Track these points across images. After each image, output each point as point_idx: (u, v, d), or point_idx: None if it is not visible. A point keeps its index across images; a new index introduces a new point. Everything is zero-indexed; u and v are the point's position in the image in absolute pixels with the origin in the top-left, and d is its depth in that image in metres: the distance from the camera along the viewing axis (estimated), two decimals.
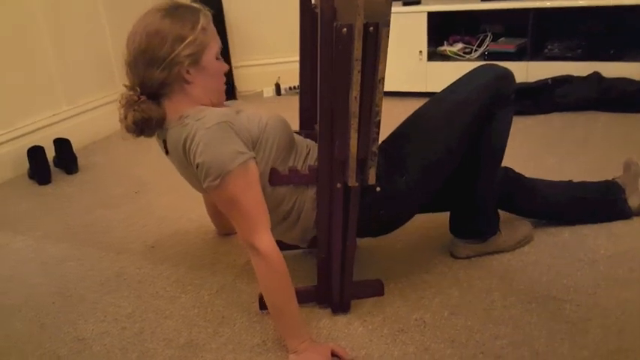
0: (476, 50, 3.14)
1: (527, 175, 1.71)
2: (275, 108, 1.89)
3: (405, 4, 3.16)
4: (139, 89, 1.30)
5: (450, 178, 1.49)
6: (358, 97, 1.18)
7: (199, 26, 1.27)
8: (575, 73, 2.80)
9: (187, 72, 1.28)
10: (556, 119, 2.71)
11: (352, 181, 1.26)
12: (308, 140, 1.46)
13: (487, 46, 3.12)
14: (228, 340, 1.38)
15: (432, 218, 1.70)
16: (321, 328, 1.39)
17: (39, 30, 2.76)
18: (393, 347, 1.30)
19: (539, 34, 2.97)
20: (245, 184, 1.24)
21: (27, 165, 2.59)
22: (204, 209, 1.84)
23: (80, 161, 2.68)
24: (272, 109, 1.42)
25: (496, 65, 1.48)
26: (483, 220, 1.58)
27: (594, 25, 2.97)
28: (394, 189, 1.40)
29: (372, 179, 1.27)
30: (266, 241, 1.24)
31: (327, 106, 1.21)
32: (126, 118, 1.31)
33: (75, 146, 2.71)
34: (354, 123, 1.20)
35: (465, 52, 3.16)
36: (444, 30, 3.27)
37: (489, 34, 3.15)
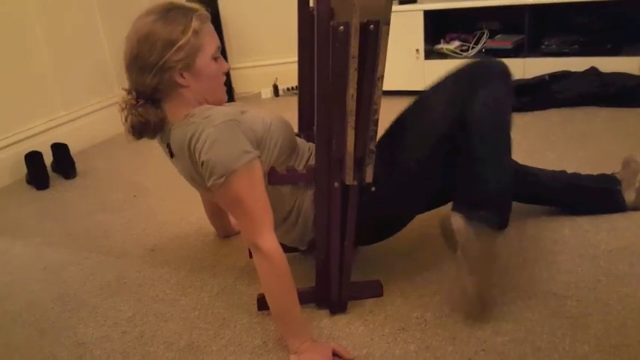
0: (473, 48, 3.13)
1: None
2: (273, 109, 1.89)
3: (402, 2, 3.15)
4: (134, 93, 1.30)
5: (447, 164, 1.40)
6: (355, 95, 1.17)
7: (191, 30, 1.25)
8: (573, 69, 2.79)
9: (181, 76, 1.28)
10: (554, 115, 2.71)
11: (350, 180, 1.25)
12: (310, 143, 1.47)
13: (484, 43, 3.11)
14: (229, 342, 1.38)
15: (432, 217, 1.69)
16: (322, 328, 1.39)
17: (35, 35, 2.76)
18: (394, 346, 1.30)
19: (535, 30, 2.97)
20: (250, 184, 1.24)
21: (25, 170, 2.59)
22: (204, 212, 1.84)
23: (78, 166, 2.67)
24: (271, 111, 1.42)
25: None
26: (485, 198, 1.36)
27: (591, 21, 2.96)
28: (391, 187, 1.39)
29: (369, 177, 1.27)
30: (269, 240, 1.24)
31: (324, 105, 1.21)
32: (126, 121, 1.32)
33: (72, 151, 2.71)
34: (351, 121, 1.19)
35: (462, 50, 3.15)
36: (440, 28, 3.26)
37: (486, 32, 3.14)
